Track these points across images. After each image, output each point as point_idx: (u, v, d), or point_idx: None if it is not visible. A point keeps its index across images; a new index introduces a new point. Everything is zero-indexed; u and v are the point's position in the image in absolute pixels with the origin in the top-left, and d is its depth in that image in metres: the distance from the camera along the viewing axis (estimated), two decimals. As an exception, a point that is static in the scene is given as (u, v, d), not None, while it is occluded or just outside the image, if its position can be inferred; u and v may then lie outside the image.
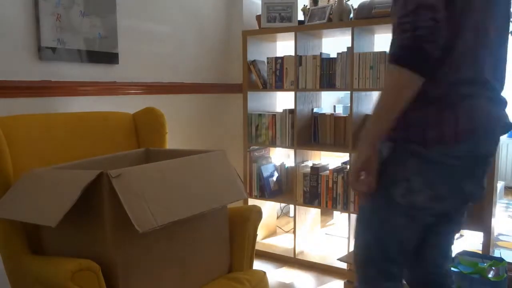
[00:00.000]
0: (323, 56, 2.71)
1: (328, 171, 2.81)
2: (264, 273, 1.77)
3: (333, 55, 2.70)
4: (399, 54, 1.11)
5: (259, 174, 2.99)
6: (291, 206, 3.08)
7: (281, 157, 3.32)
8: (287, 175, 3.19)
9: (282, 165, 3.19)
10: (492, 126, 1.20)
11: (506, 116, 1.24)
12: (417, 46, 1.08)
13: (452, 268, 1.98)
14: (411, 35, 1.08)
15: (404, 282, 1.40)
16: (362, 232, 1.32)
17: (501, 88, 1.25)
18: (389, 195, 1.24)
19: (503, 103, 1.24)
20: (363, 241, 1.33)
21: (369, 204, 1.29)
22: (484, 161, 1.24)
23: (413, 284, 1.45)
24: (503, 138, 4.80)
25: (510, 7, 1.25)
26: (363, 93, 2.70)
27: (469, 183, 1.23)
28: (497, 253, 2.68)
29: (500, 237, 3.32)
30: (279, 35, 2.92)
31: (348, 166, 2.71)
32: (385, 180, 1.24)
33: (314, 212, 3.11)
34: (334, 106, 3.86)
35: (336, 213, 3.54)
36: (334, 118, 2.84)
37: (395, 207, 1.23)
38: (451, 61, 1.15)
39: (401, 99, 1.13)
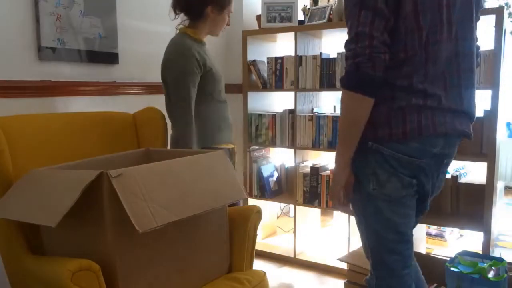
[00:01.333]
0: (323, 56, 2.71)
1: (328, 171, 2.81)
2: (264, 273, 1.77)
3: (333, 55, 2.70)
4: (346, 80, 1.23)
5: (259, 174, 2.99)
6: (291, 206, 3.08)
7: (281, 157, 3.32)
8: (287, 175, 3.19)
9: (282, 165, 3.19)
10: (440, 132, 1.27)
11: (463, 127, 1.33)
12: (359, 72, 1.19)
13: (452, 268, 1.99)
14: (352, 63, 1.20)
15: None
16: (363, 227, 1.40)
17: (459, 103, 1.31)
18: (365, 191, 1.32)
19: (462, 116, 1.33)
20: (366, 235, 1.40)
21: (356, 203, 1.38)
22: (438, 161, 1.32)
23: None
24: (503, 138, 4.80)
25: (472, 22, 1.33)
26: (363, 93, 2.70)
27: (424, 178, 1.31)
28: (497, 253, 2.69)
29: (500, 237, 3.32)
30: (279, 35, 2.92)
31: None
32: (357, 179, 1.33)
33: (314, 212, 3.11)
34: (334, 106, 3.85)
35: (336, 213, 3.54)
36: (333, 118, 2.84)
37: (374, 200, 1.32)
38: (403, 72, 1.24)
39: (357, 119, 1.25)
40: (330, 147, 2.75)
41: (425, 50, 1.24)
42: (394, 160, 1.27)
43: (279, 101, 3.31)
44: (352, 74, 1.21)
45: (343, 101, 1.26)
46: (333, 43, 3.07)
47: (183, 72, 1.85)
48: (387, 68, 1.21)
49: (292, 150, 2.88)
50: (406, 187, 1.29)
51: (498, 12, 2.14)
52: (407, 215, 1.34)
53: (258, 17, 2.95)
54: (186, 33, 1.95)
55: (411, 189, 1.30)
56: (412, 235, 1.38)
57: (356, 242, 2.68)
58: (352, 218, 2.67)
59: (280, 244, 3.11)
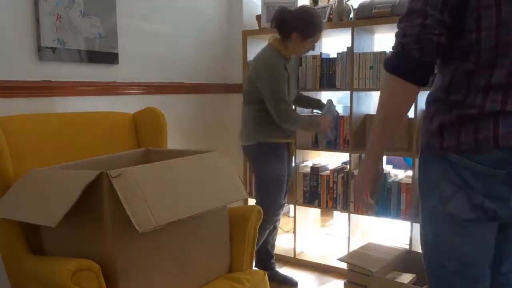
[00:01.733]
0: (323, 56, 2.71)
1: (328, 171, 2.81)
2: (264, 273, 1.77)
3: (333, 55, 2.70)
4: (388, 61, 1.07)
5: (259, 174, 2.98)
6: (291, 206, 3.08)
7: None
8: (287, 175, 3.19)
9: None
10: None
11: None
12: (403, 53, 1.03)
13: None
14: (398, 43, 1.04)
15: None
16: (424, 245, 1.20)
17: None
18: (427, 206, 1.13)
19: None
20: (426, 255, 1.19)
21: (421, 218, 1.19)
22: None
23: None
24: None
25: None
26: (363, 93, 2.70)
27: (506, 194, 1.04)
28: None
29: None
30: (279, 35, 2.92)
31: (348, 166, 2.71)
32: (420, 191, 1.16)
33: (314, 212, 3.11)
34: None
35: (336, 213, 3.54)
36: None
37: (437, 218, 1.11)
38: (473, 64, 1.02)
39: (397, 107, 1.09)
40: (330, 147, 2.75)
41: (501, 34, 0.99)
42: (464, 169, 1.03)
43: (279, 101, 3.31)
44: (395, 55, 1.05)
45: (384, 85, 1.10)
46: (333, 43, 3.07)
47: (278, 82, 2.26)
48: (451, 58, 1.04)
49: (292, 150, 2.88)
50: (475, 207, 1.04)
51: (498, 12, 2.14)
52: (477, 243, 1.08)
53: (258, 17, 2.95)
54: (277, 49, 2.32)
55: (482, 212, 1.04)
56: (486, 276, 1.10)
57: (356, 242, 2.68)
58: (352, 218, 2.67)
59: (280, 244, 3.11)
